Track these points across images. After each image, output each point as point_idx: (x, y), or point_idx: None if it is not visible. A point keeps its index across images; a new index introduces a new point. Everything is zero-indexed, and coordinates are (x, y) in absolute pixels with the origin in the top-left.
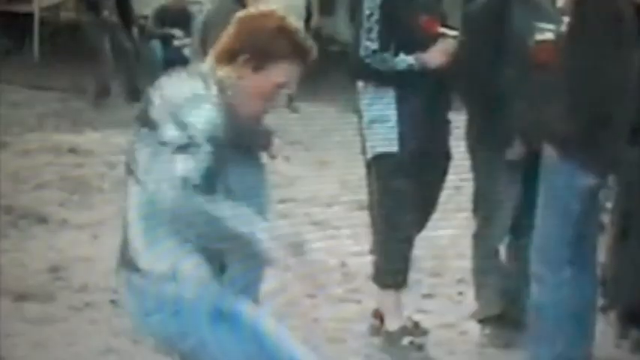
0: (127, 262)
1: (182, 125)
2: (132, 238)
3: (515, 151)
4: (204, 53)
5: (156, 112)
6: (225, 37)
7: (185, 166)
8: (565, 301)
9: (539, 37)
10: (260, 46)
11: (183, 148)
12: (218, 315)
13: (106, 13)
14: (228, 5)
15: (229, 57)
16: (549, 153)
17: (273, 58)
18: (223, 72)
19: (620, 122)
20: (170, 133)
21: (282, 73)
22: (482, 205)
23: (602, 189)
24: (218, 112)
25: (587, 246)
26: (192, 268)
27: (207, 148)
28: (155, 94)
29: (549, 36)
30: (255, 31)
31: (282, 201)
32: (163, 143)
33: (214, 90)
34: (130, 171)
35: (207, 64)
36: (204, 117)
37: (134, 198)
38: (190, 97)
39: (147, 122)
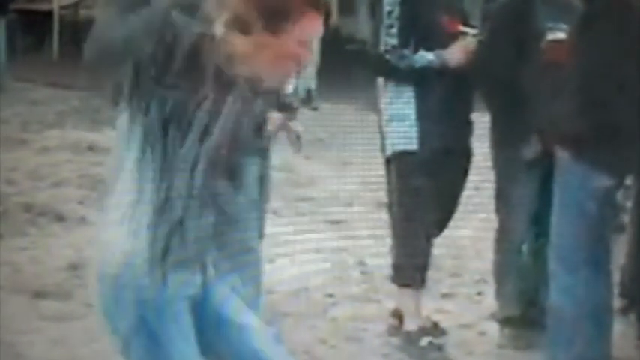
0: None
1: None
2: None
3: (533, 149)
4: None
5: None
6: (232, 6)
7: None
8: (582, 302)
9: (551, 36)
10: (273, 6)
11: None
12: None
13: None
14: None
15: (242, 27)
16: (562, 154)
17: (290, 17)
18: (239, 44)
19: (635, 122)
20: None
21: (303, 30)
22: (503, 203)
23: (621, 189)
24: None
25: (603, 246)
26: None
27: None
28: None
29: (561, 35)
30: None
31: (302, 200)
32: None
33: None
34: None
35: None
36: None
37: None
38: None
39: None
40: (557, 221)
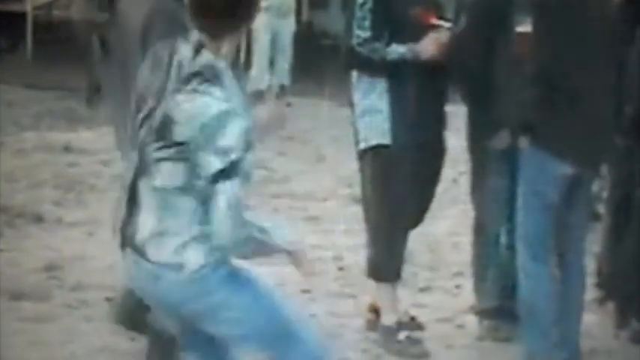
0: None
1: (220, 151)
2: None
3: (503, 140)
4: None
5: (182, 132)
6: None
7: (230, 194)
8: (552, 292)
9: (520, 28)
10: None
11: (223, 173)
12: (232, 279)
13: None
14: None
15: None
16: (523, 142)
17: None
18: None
19: (599, 113)
20: (214, 164)
21: None
22: (479, 194)
23: (593, 179)
24: (244, 112)
25: (574, 236)
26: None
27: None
28: (176, 113)
29: (528, 28)
30: None
31: (278, 196)
32: (206, 177)
33: (229, 79)
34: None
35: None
36: (237, 133)
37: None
38: (217, 116)
39: (170, 141)
40: (522, 212)
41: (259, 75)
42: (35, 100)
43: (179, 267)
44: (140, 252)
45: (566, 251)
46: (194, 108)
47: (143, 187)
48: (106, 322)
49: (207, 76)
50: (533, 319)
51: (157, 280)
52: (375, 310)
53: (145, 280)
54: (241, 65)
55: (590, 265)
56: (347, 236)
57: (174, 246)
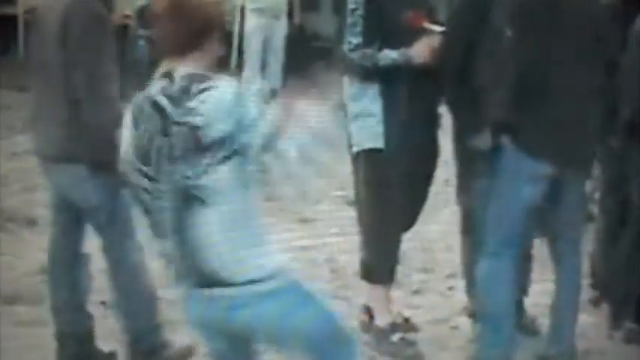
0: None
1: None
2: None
3: (484, 140)
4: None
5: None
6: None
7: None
8: (507, 288)
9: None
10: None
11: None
12: (304, 295)
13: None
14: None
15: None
16: (505, 140)
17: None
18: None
19: (580, 114)
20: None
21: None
22: (465, 195)
23: (578, 180)
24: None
25: (567, 237)
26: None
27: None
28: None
29: None
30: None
31: (270, 199)
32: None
33: None
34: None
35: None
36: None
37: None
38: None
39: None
40: (494, 209)
41: (251, 76)
42: (28, 103)
43: (267, 278)
44: (215, 282)
45: (559, 251)
46: (211, 102)
47: (193, 218)
48: (101, 325)
49: (198, 80)
50: (488, 316)
51: (241, 303)
52: (369, 312)
53: (223, 309)
54: (232, 68)
55: (584, 266)
56: (340, 238)
57: (256, 260)
